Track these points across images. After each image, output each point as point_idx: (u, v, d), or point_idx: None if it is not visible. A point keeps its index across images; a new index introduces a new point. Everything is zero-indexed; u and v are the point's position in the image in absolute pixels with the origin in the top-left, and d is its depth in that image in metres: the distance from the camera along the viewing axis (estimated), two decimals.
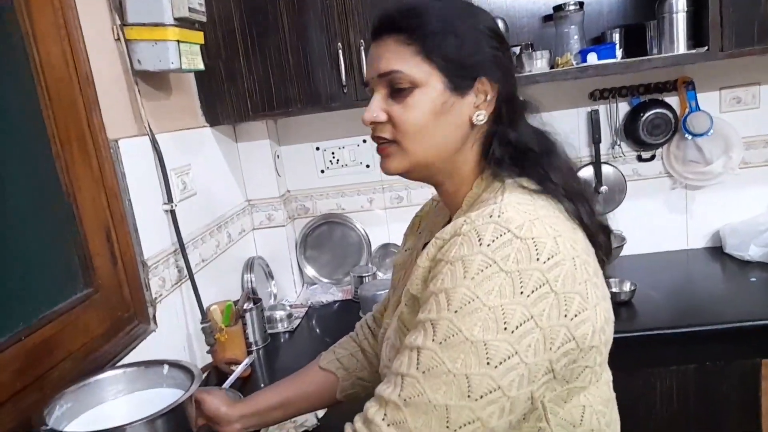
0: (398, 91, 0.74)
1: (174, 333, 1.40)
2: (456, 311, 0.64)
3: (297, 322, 1.85)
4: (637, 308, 1.63)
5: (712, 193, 1.99)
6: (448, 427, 0.63)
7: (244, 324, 1.64)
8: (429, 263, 0.72)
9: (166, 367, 0.92)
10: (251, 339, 1.67)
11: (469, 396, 0.63)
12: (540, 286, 0.64)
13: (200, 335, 1.44)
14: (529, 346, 0.63)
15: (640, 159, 2.00)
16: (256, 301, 1.71)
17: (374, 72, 0.76)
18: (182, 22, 1.34)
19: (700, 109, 1.89)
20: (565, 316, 0.65)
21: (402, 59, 0.74)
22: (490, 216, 0.67)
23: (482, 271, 0.64)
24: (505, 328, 0.63)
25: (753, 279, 1.73)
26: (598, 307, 0.69)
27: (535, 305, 0.64)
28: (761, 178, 1.97)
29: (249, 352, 1.61)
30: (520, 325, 0.63)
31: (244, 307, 1.63)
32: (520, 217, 0.67)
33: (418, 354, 0.66)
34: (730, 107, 1.93)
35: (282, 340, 1.77)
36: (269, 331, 1.77)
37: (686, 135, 1.90)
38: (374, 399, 0.70)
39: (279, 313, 1.82)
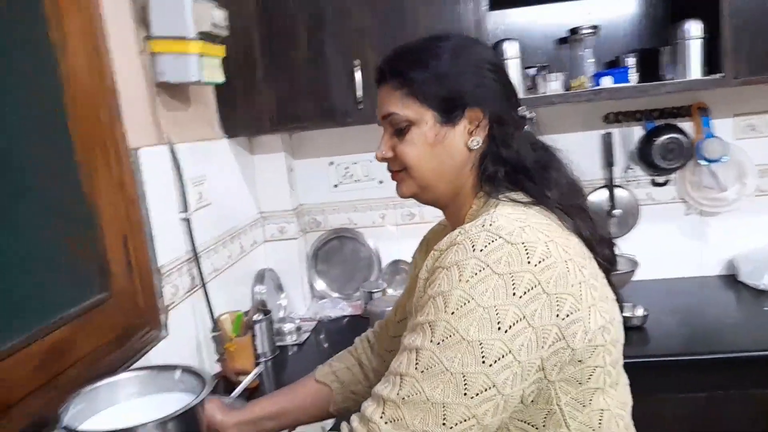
0: (399, 129, 0.83)
1: (184, 341, 1.41)
2: (453, 312, 0.67)
3: (306, 335, 1.86)
4: (649, 333, 1.62)
5: (726, 220, 1.98)
6: (444, 424, 0.66)
7: (253, 335, 1.64)
8: (427, 274, 0.75)
9: (178, 372, 0.93)
10: (260, 350, 1.68)
11: (465, 394, 0.66)
12: (532, 288, 0.67)
13: (210, 344, 1.46)
14: (522, 345, 0.67)
15: (654, 183, 2.00)
16: (266, 312, 1.72)
17: (379, 115, 0.86)
18: (205, 36, 1.38)
19: (714, 135, 1.89)
20: (557, 315, 0.68)
21: (396, 102, 0.83)
22: (482, 225, 0.72)
23: (476, 274, 0.68)
24: (499, 328, 0.66)
25: (766, 308, 1.72)
26: (593, 309, 0.71)
27: (528, 305, 0.67)
28: None
29: (257, 363, 1.62)
30: (513, 324, 0.66)
31: (254, 319, 1.64)
32: (511, 225, 0.71)
33: (417, 354, 0.69)
34: (745, 134, 1.93)
35: (290, 353, 1.77)
36: (278, 344, 1.78)
37: (700, 161, 1.90)
38: (371, 398, 0.73)
39: (288, 326, 1.83)
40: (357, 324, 1.93)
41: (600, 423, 0.74)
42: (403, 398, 0.68)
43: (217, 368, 1.50)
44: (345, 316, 2.00)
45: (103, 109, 1.20)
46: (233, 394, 1.28)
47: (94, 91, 1.18)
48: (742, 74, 1.57)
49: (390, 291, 2.06)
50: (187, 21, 1.33)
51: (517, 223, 0.71)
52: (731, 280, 1.96)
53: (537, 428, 0.73)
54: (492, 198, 0.81)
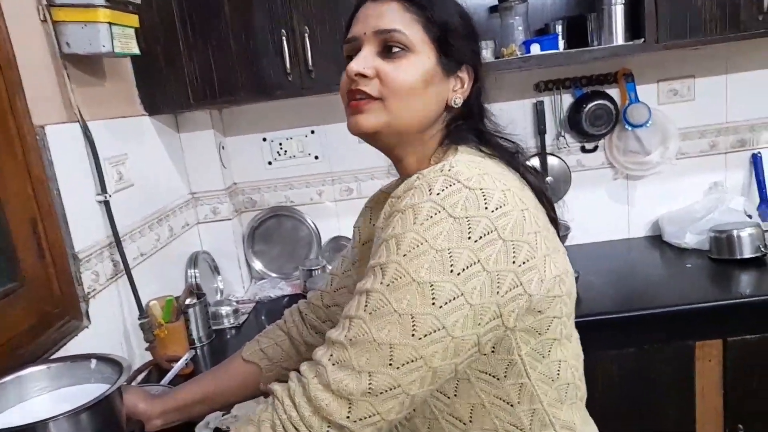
0: (391, 51, 0.76)
1: (109, 329, 1.34)
2: (404, 255, 0.66)
3: (244, 317, 1.81)
4: (580, 295, 1.62)
5: (651, 183, 2.06)
6: (390, 364, 0.65)
7: (187, 320, 1.59)
8: (384, 222, 0.73)
9: (93, 361, 0.88)
10: (194, 335, 1.62)
11: (413, 335, 0.65)
12: (488, 233, 0.66)
13: (138, 332, 1.39)
14: (475, 288, 0.65)
15: (583, 150, 2.05)
16: (200, 296, 1.66)
17: (368, 28, 0.77)
18: (114, 4, 1.28)
19: (639, 101, 1.95)
20: (513, 262, 0.67)
21: (405, 22, 0.76)
22: (441, 170, 0.69)
23: (431, 217, 0.66)
24: (452, 270, 0.65)
25: (689, 265, 1.80)
26: (548, 258, 0.71)
27: (483, 250, 0.65)
28: (696, 168, 2.05)
29: (192, 349, 1.57)
30: (467, 267, 0.65)
31: (187, 303, 1.58)
32: (470, 171, 0.69)
33: (367, 297, 0.67)
34: (668, 99, 2.00)
35: (228, 336, 1.72)
36: (214, 327, 1.72)
37: (626, 126, 1.95)
38: (324, 344, 0.71)
39: (225, 309, 1.78)
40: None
41: (558, 373, 0.76)
42: (351, 339, 0.66)
43: (148, 356, 1.44)
44: (285, 296, 1.96)
45: (1, 85, 1.10)
46: (163, 380, 1.23)
47: None
48: (663, 39, 1.61)
49: (330, 267, 2.03)
50: None
51: (476, 170, 0.70)
52: (657, 240, 2.05)
53: (498, 379, 0.73)
54: (453, 146, 0.80)
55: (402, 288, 0.65)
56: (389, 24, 0.76)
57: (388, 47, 0.76)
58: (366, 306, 0.67)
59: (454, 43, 0.78)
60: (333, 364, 0.67)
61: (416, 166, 0.82)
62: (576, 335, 0.82)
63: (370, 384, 0.65)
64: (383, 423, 0.66)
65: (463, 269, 0.65)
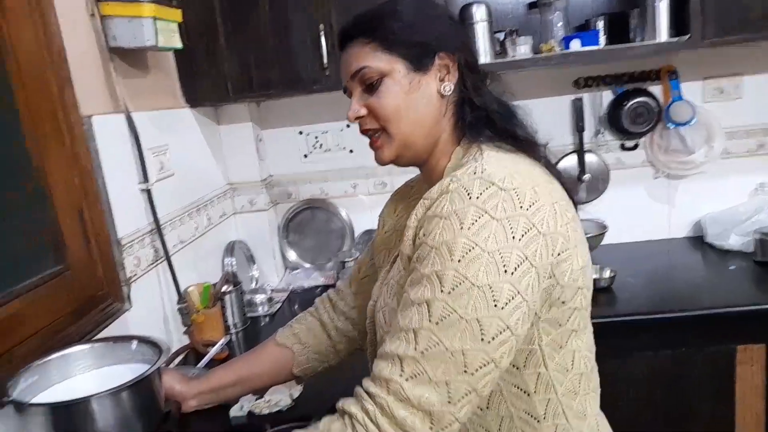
0: (370, 85, 0.81)
1: (150, 313, 1.38)
2: (459, 260, 0.67)
3: (278, 306, 1.85)
4: (617, 295, 1.64)
5: (694, 182, 2.00)
6: (465, 371, 0.67)
7: (223, 306, 1.63)
8: (417, 222, 0.76)
9: (134, 342, 0.91)
10: (230, 322, 1.67)
11: (482, 339, 0.67)
12: (528, 230, 0.69)
13: (177, 316, 1.44)
14: (528, 285, 0.68)
15: (623, 148, 2.01)
16: (236, 284, 1.70)
17: (346, 75, 0.84)
18: None
19: (683, 99, 1.89)
20: (552, 254, 0.71)
21: (366, 56, 0.81)
22: (474, 173, 0.72)
23: (476, 221, 0.68)
24: (506, 271, 0.67)
25: (732, 267, 1.75)
26: (577, 249, 0.74)
27: (527, 247, 0.68)
28: (742, 168, 1.98)
29: (228, 334, 1.61)
30: (518, 266, 0.68)
31: (223, 290, 1.62)
32: (501, 172, 0.72)
33: (429, 307, 0.68)
34: (713, 97, 1.94)
35: (262, 324, 1.76)
36: (249, 315, 1.76)
37: (669, 124, 1.90)
38: (382, 359, 0.71)
39: (259, 297, 1.82)
40: None
41: (572, 363, 0.78)
42: (422, 352, 0.67)
43: (185, 340, 1.48)
44: (318, 286, 1.99)
45: (51, 77, 1.15)
46: (199, 364, 1.27)
47: (40, 58, 1.13)
48: (710, 35, 1.56)
49: None
50: None
51: (506, 170, 0.72)
52: (698, 241, 1.99)
53: (518, 368, 0.75)
54: (474, 146, 0.81)
55: (464, 294, 0.67)
56: (356, 65, 0.81)
57: (367, 83, 0.81)
58: (430, 316, 0.68)
59: (416, 41, 0.80)
60: (407, 380, 0.67)
61: (440, 162, 0.85)
62: (590, 328, 0.84)
63: (449, 393, 0.67)
64: (458, 425, 0.69)
65: (516, 268, 0.67)
